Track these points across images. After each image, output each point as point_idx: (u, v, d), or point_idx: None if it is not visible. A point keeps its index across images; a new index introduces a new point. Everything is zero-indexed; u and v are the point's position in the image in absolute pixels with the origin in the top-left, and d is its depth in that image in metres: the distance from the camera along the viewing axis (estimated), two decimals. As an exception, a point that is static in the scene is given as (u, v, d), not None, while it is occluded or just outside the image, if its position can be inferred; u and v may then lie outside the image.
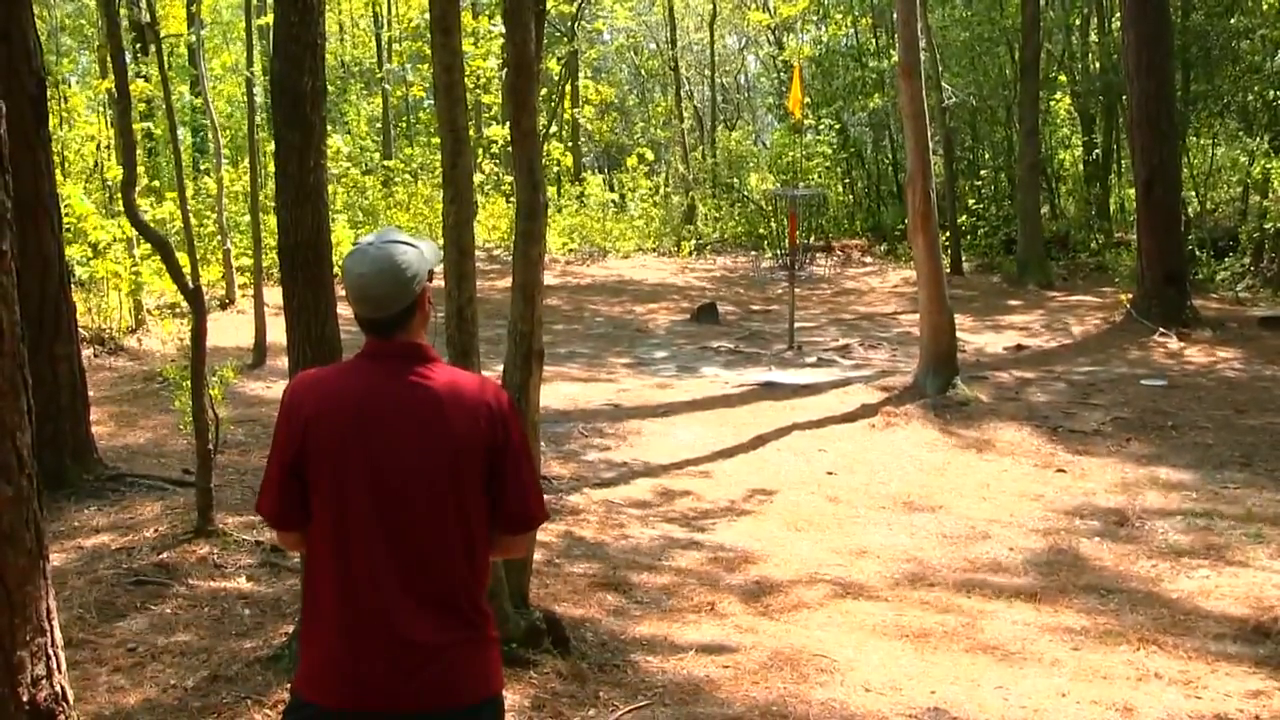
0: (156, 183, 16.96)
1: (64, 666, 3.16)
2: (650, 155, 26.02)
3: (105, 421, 8.76)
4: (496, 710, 2.40)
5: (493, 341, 8.08)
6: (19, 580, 2.97)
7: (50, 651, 3.08)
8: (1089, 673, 4.86)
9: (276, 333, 7.07)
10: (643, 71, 31.78)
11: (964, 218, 20.19)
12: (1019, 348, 13.05)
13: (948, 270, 13.26)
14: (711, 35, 27.75)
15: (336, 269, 3.43)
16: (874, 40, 24.10)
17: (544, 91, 19.99)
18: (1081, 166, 21.70)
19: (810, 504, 7.61)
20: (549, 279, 9.22)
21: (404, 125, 28.08)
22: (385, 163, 23.00)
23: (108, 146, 15.21)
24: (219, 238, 14.44)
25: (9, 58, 6.40)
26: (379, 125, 25.81)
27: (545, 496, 6.74)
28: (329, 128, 7.53)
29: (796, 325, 13.70)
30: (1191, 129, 18.98)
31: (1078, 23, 21.71)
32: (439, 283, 3.76)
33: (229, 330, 12.76)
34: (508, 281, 5.84)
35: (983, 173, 22.53)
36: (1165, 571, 6.28)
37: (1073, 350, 12.88)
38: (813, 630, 5.32)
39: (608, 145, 28.24)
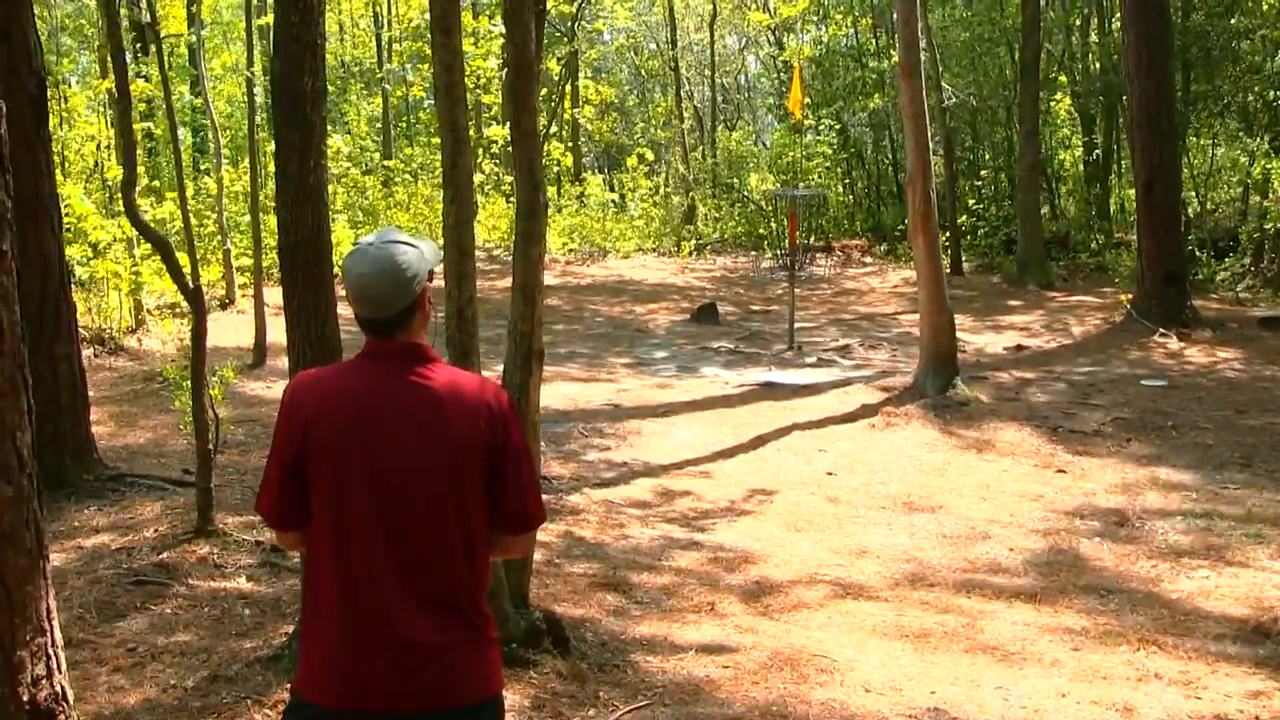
0: (156, 183, 16.96)
1: (64, 666, 3.16)
2: (650, 155, 26.02)
3: (105, 421, 8.76)
4: (496, 710, 2.40)
5: (493, 341, 8.08)
6: (19, 580, 2.97)
7: (50, 651, 3.08)
8: (1089, 673, 4.86)
9: (276, 333, 7.07)
10: (643, 71, 31.78)
11: (964, 218, 20.19)
12: (1019, 348, 13.05)
13: (948, 270, 13.26)
14: (711, 35, 27.75)
15: (336, 269, 3.43)
16: (874, 40, 24.10)
17: (544, 91, 20.00)
18: (1081, 167, 21.71)
19: (810, 504, 7.61)
20: (549, 279, 9.22)
21: (404, 125, 28.08)
22: (385, 163, 23.01)
23: (108, 146, 15.22)
24: (219, 238, 14.44)
25: (9, 58, 6.40)
26: (379, 125, 25.82)
27: (545, 497, 6.74)
28: (329, 128, 7.53)
29: (796, 325, 13.70)
30: (1192, 129, 18.98)
31: (1078, 23, 21.71)
32: (439, 283, 3.76)
33: (229, 330, 12.76)
34: (508, 281, 5.84)
35: (983, 173, 22.54)
36: (1165, 572, 6.28)
37: (1073, 350, 12.88)
38: (813, 630, 5.32)
39: (608, 145, 28.24)
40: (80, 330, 7.86)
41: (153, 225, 8.76)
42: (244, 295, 14.12)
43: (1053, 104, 21.64)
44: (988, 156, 22.88)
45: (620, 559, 6.27)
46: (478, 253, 6.42)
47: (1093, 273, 18.59)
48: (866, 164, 25.09)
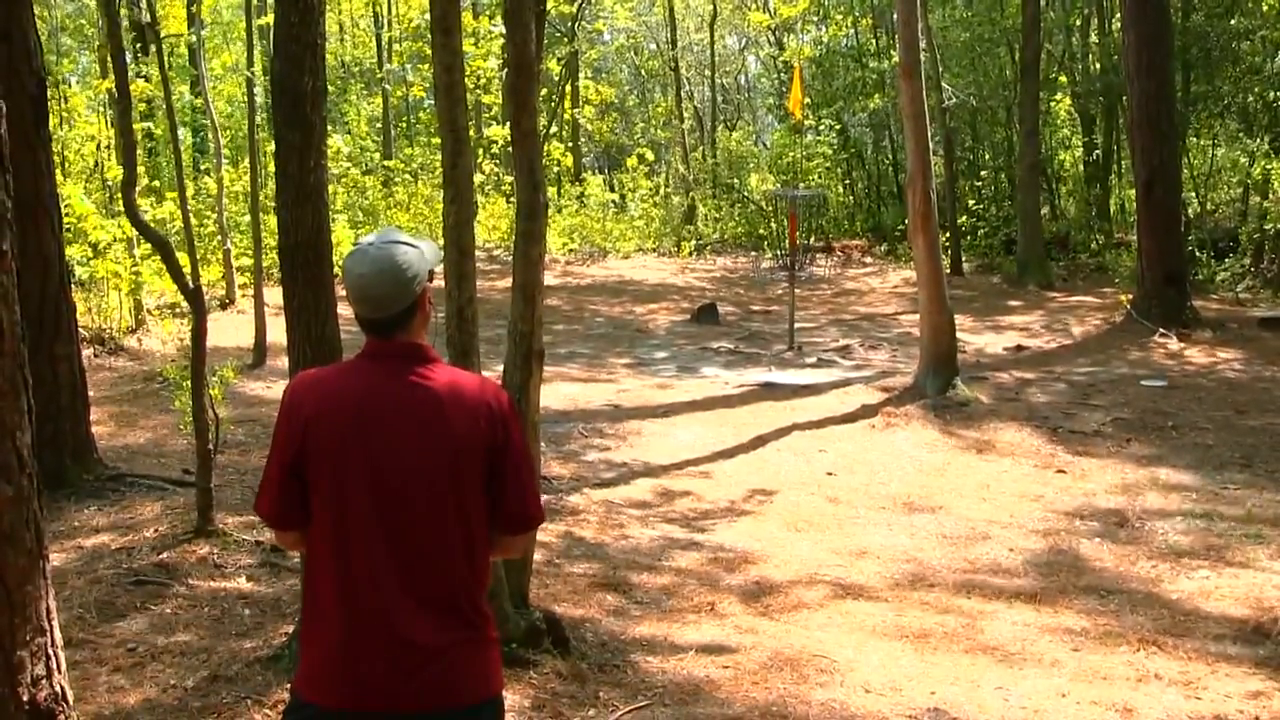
0: (156, 183, 16.96)
1: (64, 666, 3.16)
2: (650, 155, 26.02)
3: (105, 421, 8.76)
4: (496, 711, 2.40)
5: (493, 341, 8.08)
6: (19, 580, 2.97)
7: (50, 651, 3.08)
8: (1089, 673, 4.86)
9: (276, 333, 7.07)
10: (643, 72, 31.79)
11: (964, 218, 20.19)
12: (1019, 348, 13.05)
13: (948, 271, 13.27)
14: (712, 36, 27.76)
15: (337, 269, 3.43)
16: (874, 41, 24.11)
17: (544, 92, 20.01)
18: (1082, 167, 21.71)
19: (810, 504, 7.61)
20: (549, 279, 9.21)
21: (404, 125, 28.08)
22: (385, 163, 23.01)
23: (108, 146, 15.20)
24: (219, 238, 14.44)
25: (9, 58, 6.40)
26: (379, 125, 25.82)
27: (545, 497, 6.75)
28: (329, 128, 7.53)
29: (796, 326, 13.70)
30: (1192, 130, 18.99)
31: (1078, 23, 21.72)
32: (439, 283, 3.76)
33: (229, 330, 12.76)
34: (508, 281, 5.84)
35: (983, 173, 22.54)
36: (1165, 572, 6.28)
37: (1073, 351, 12.88)
38: (813, 631, 5.32)
39: (608, 145, 28.25)
40: (80, 330, 7.86)
41: (153, 225, 8.76)
42: (244, 295, 14.13)
43: (1053, 104, 21.64)
44: (988, 157, 22.89)
45: (620, 559, 6.27)
46: (478, 253, 6.42)
47: (1093, 273, 18.60)
48: (866, 164, 25.09)
